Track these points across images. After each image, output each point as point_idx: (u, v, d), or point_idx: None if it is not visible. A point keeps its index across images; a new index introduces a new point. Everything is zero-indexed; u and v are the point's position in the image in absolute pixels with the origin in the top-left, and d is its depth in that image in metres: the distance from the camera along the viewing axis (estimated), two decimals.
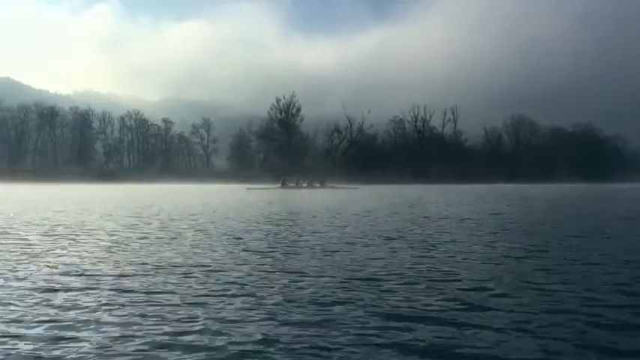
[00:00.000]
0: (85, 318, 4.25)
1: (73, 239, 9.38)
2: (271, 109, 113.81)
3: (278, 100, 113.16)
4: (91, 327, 4.03)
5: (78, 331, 3.94)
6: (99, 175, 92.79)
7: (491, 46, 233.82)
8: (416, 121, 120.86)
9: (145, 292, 5.15)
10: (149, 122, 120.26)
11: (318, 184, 57.53)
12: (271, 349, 3.58)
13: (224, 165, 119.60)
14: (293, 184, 57.21)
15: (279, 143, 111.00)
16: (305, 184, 57.70)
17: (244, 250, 8.02)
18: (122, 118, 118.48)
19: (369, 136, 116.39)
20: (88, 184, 72.18)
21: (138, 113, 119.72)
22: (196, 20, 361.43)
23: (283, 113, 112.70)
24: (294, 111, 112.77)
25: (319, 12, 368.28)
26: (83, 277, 5.90)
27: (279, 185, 55.70)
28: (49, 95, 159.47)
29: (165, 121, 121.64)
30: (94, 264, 6.75)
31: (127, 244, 8.68)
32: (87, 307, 4.59)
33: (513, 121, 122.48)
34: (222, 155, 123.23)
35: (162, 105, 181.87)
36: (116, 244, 8.66)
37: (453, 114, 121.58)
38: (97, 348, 3.59)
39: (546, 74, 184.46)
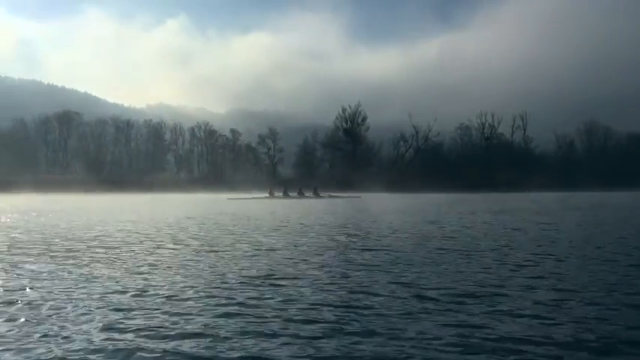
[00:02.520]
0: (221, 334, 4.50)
1: (165, 249, 9.87)
2: (337, 118, 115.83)
3: (344, 110, 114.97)
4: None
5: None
6: (170, 185, 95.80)
7: (560, 48, 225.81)
8: (483, 128, 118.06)
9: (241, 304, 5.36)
10: (218, 133, 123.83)
11: (310, 194, 53.93)
12: None
13: (289, 174, 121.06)
14: (280, 194, 53.37)
15: (345, 152, 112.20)
16: (295, 194, 53.79)
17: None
18: (192, 130, 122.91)
19: (435, 144, 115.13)
20: (161, 193, 74.84)
21: (207, 124, 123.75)
22: (260, 32, 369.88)
23: (349, 122, 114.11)
24: (359, 120, 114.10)
25: (382, 20, 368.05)
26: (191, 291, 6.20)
27: (267, 195, 52.10)
28: (123, 109, 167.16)
29: (233, 131, 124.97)
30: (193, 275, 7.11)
31: (208, 255, 9.02)
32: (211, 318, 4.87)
33: (586, 127, 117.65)
34: (288, 165, 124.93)
35: (229, 116, 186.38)
36: (206, 255, 9.03)
37: (522, 120, 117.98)
38: None
39: (621, 77, 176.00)
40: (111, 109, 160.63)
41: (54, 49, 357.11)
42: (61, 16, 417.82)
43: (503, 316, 4.83)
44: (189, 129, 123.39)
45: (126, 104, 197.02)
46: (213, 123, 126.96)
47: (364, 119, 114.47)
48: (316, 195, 53.11)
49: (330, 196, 52.24)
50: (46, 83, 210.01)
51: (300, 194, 53.48)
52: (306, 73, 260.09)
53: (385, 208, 28.58)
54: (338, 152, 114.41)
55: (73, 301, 5.48)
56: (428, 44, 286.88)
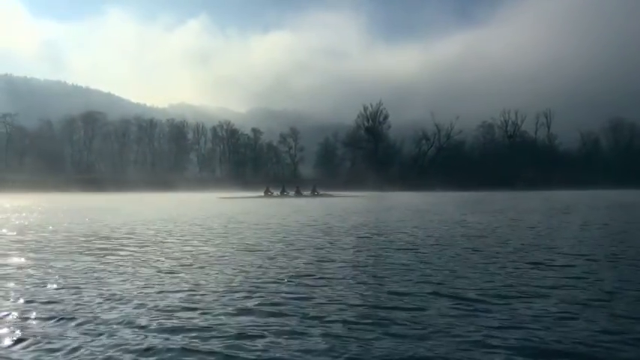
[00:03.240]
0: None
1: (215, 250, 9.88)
2: (358, 116, 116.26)
3: (365, 108, 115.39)
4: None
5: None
6: (193, 184, 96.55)
7: (585, 45, 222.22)
8: (506, 126, 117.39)
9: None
10: (239, 132, 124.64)
11: (308, 193, 52.67)
12: None
13: (311, 173, 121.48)
14: (277, 193, 51.65)
15: (366, 151, 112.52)
16: (292, 193, 52.28)
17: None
18: (214, 129, 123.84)
19: (458, 142, 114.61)
20: (185, 192, 75.40)
21: (229, 124, 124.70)
22: (280, 31, 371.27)
23: (370, 121, 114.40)
24: (381, 118, 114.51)
25: (401, 18, 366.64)
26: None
27: (262, 194, 50.24)
28: (146, 108, 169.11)
29: (254, 130, 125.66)
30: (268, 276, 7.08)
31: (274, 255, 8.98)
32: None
33: (612, 125, 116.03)
34: (309, 164, 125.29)
35: (250, 115, 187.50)
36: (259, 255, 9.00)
37: (546, 117, 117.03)
38: None
39: None
40: (134, 108, 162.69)
41: (77, 50, 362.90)
42: (83, 17, 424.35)
43: (532, 319, 4.78)
44: (211, 128, 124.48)
45: (148, 104, 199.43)
46: (234, 122, 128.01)
47: (385, 118, 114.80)
48: (314, 194, 52.05)
49: (329, 196, 51.00)
50: (70, 84, 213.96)
51: (298, 193, 52.27)
52: (325, 72, 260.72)
53: (374, 208, 28.21)
54: (359, 151, 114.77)
55: (112, 299, 5.53)
56: (448, 42, 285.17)
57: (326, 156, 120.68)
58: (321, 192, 53.80)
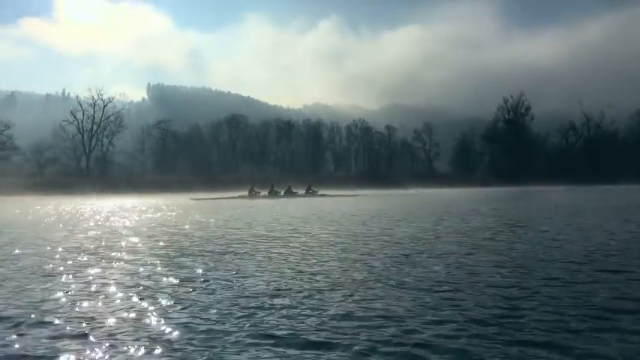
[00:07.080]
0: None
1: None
2: (498, 109, 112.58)
3: (505, 100, 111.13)
4: None
5: None
6: (329, 183, 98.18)
7: None
8: None
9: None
10: (373, 130, 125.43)
11: (302, 192, 48.18)
12: None
13: (446, 169, 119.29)
14: (265, 193, 46.70)
15: (507, 145, 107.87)
16: (282, 193, 47.48)
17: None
18: (349, 127, 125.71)
19: (609, 132, 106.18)
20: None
21: (363, 122, 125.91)
22: (411, 25, 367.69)
23: (511, 113, 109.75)
24: (522, 110, 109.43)
25: (540, 2, 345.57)
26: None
27: (247, 194, 45.58)
28: (283, 110, 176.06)
29: (388, 127, 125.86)
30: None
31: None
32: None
33: None
34: (444, 159, 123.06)
35: (382, 112, 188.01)
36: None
37: None
38: None
39: None
40: (271, 110, 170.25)
41: (219, 57, 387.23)
42: (224, 25, 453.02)
43: None
44: (345, 127, 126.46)
45: (284, 105, 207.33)
46: (368, 120, 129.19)
47: (527, 109, 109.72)
48: (309, 194, 48.31)
49: (325, 195, 47.00)
50: (214, 90, 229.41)
51: (289, 193, 47.97)
52: (458, 64, 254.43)
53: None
54: (499, 145, 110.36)
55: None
56: (595, 24, 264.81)
57: (462, 151, 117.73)
58: (318, 191, 49.41)
